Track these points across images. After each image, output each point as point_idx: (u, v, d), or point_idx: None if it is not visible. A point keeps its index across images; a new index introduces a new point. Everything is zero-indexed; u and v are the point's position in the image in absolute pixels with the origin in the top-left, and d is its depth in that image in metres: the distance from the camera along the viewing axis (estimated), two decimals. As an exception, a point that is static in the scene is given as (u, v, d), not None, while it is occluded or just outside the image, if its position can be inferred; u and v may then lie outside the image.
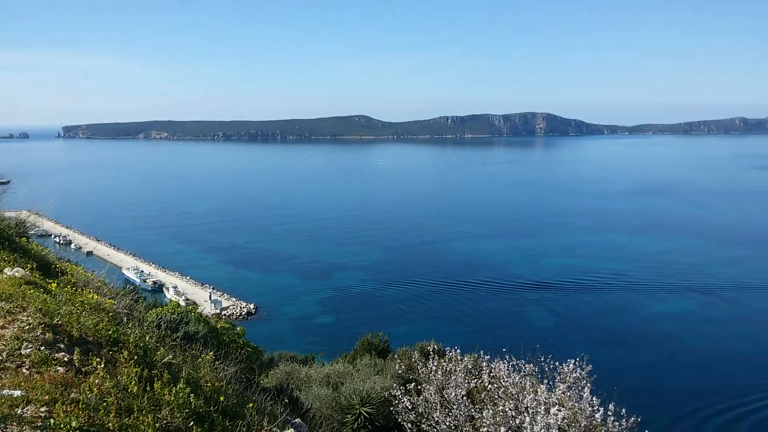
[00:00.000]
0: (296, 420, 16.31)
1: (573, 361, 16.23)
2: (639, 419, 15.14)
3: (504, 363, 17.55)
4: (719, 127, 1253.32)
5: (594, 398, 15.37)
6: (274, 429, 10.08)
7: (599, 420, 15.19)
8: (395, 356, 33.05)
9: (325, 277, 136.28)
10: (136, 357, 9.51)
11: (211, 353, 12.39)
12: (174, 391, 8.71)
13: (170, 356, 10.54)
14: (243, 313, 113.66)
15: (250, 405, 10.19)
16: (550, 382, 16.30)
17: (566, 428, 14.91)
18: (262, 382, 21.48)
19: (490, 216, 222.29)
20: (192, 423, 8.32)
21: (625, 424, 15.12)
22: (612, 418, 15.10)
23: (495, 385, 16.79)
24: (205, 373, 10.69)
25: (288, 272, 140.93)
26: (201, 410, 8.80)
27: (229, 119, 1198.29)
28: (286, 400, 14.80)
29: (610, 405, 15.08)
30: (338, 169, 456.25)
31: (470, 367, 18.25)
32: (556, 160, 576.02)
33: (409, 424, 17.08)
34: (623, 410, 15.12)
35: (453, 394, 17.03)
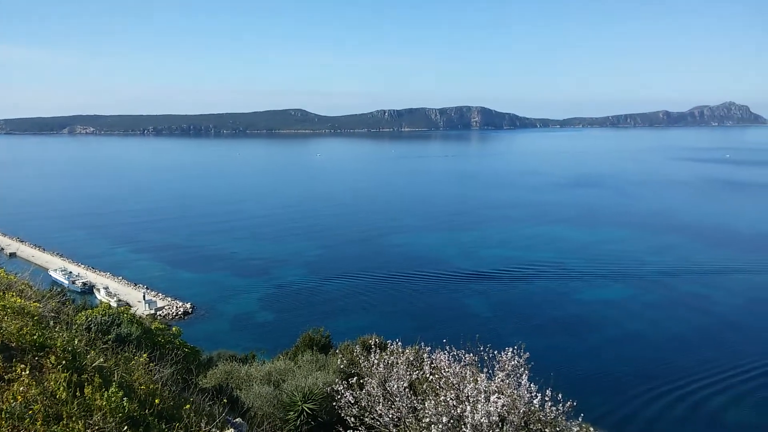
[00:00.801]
0: (237, 419, 15.99)
1: (511, 350, 16.57)
2: (575, 403, 15.62)
3: (445, 354, 17.76)
4: (644, 120, 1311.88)
5: (532, 385, 15.75)
6: (213, 430, 9.82)
7: (537, 405, 15.59)
8: (337, 351, 32.97)
9: (263, 273, 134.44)
10: (64, 362, 9.07)
11: (145, 355, 11.96)
12: (106, 396, 8.35)
13: (101, 360, 10.09)
14: (179, 312, 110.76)
15: (188, 406, 9.89)
16: (490, 371, 16.59)
17: (506, 415, 15.21)
18: (200, 382, 20.96)
19: (429, 209, 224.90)
20: (126, 427, 8.00)
21: (561, 408, 15.57)
22: (549, 403, 15.52)
23: (436, 376, 16.96)
24: (139, 376, 10.31)
25: (225, 270, 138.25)
26: (135, 414, 8.48)
27: (159, 113, 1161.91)
28: (225, 400, 14.47)
29: (548, 391, 15.49)
30: (275, 164, 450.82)
31: (412, 359, 18.39)
32: (492, 153, 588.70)
33: (353, 419, 17.03)
34: (560, 395, 15.56)
35: (395, 386, 17.10)
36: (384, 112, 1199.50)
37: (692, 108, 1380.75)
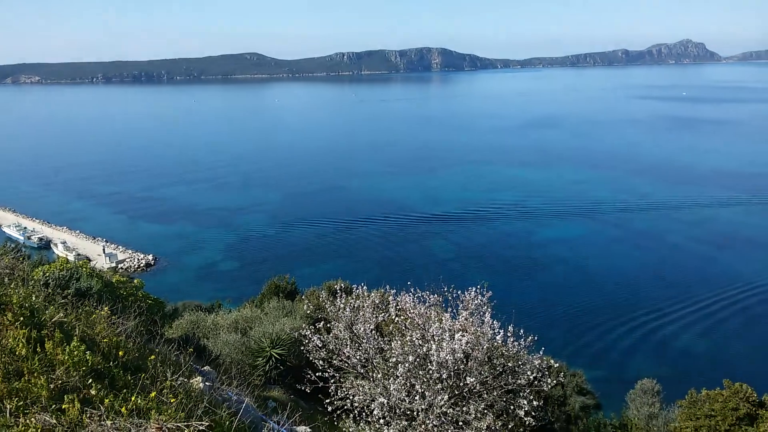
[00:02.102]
0: (205, 368, 16.06)
1: (474, 289, 16.88)
2: (536, 338, 16.12)
3: (409, 296, 18.00)
4: (603, 59, 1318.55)
5: (494, 322, 16.16)
6: (180, 378, 9.80)
7: (500, 341, 16.03)
8: (303, 297, 33.20)
9: (226, 223, 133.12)
10: (21, 318, 8.84)
11: (107, 308, 11.76)
12: (68, 350, 8.21)
13: (61, 315, 9.89)
14: (141, 265, 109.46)
15: (153, 357, 9.83)
16: (454, 311, 16.92)
17: (470, 351, 15.61)
18: (166, 333, 20.90)
19: (391, 153, 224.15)
20: (90, 380, 7.91)
21: (523, 343, 16.07)
22: (512, 339, 15.98)
23: (402, 317, 17.21)
24: (101, 329, 10.15)
25: (186, 220, 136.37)
26: (99, 367, 8.39)
27: (108, 59, 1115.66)
28: (192, 349, 14.47)
29: (510, 327, 15.91)
30: (232, 111, 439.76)
31: (377, 302, 18.58)
32: (453, 95, 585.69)
33: (321, 362, 17.25)
34: (521, 330, 16.01)
35: (362, 329, 17.32)
36: (343, 54, 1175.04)
37: (650, 46, 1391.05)
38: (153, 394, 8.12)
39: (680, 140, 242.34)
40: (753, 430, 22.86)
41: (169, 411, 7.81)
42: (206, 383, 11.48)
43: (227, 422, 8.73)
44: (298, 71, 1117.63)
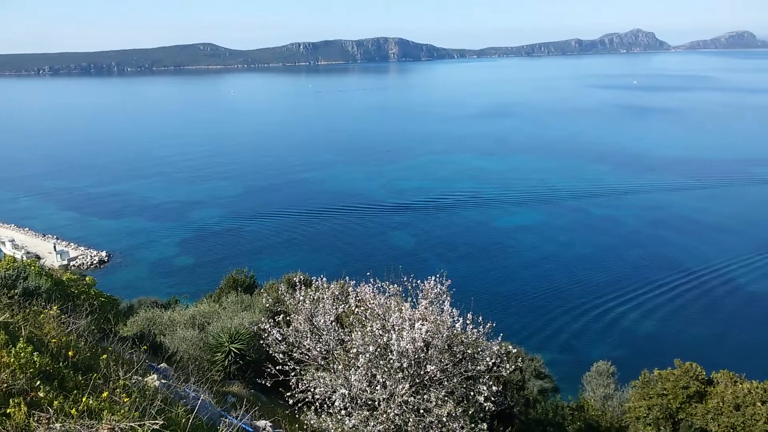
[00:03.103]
0: (161, 365, 15.74)
1: (433, 278, 16.98)
2: (495, 324, 16.33)
3: (369, 286, 17.99)
4: (557, 48, 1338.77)
5: (454, 310, 16.31)
6: (135, 377, 9.57)
7: (459, 329, 16.19)
8: (262, 291, 32.85)
9: (182, 217, 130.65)
10: (-38, 320, 8.46)
11: (56, 307, 11.38)
12: (14, 352, 7.90)
13: (6, 315, 9.52)
14: (94, 262, 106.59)
15: (105, 356, 9.55)
16: (414, 300, 16.99)
17: (430, 340, 15.72)
18: (120, 331, 20.40)
19: (349, 144, 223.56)
20: (39, 382, 7.63)
21: (482, 330, 16.26)
22: (471, 326, 16.15)
23: (362, 308, 17.21)
24: (50, 329, 9.82)
25: (140, 215, 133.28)
26: (48, 368, 8.10)
27: (55, 51, 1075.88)
28: (145, 347, 14.15)
29: (469, 314, 16.07)
30: (186, 103, 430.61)
31: (337, 293, 18.53)
32: (411, 85, 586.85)
33: (281, 355, 17.13)
34: (480, 317, 16.20)
35: (322, 320, 17.27)
36: (299, 45, 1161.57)
37: (602, 36, 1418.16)
38: (105, 394, 7.90)
39: (632, 128, 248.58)
40: (702, 406, 23.72)
41: (122, 411, 7.61)
42: (162, 381, 11.24)
43: (183, 419, 8.57)
44: (253, 62, 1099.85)
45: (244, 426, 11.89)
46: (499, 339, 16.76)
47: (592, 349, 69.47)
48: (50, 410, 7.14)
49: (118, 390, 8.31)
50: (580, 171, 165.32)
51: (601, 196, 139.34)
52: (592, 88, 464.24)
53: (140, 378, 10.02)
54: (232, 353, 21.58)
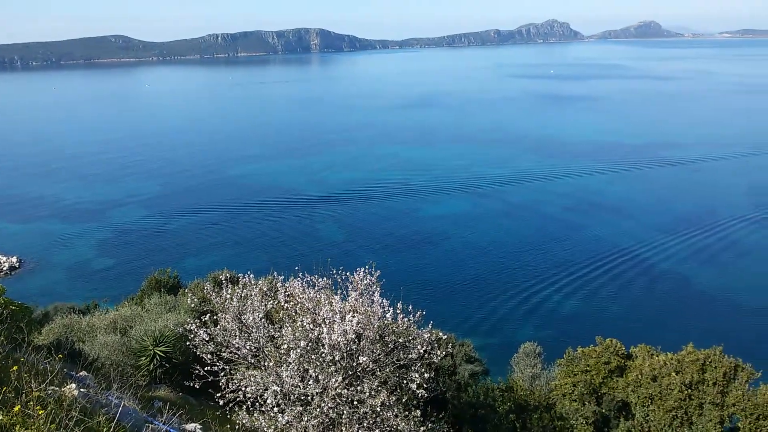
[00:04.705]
0: (81, 373, 15.00)
1: (363, 270, 17.01)
2: (424, 312, 16.54)
3: (298, 281, 17.83)
4: (477, 39, 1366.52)
5: (384, 300, 16.41)
6: (51, 388, 9.05)
7: (390, 319, 16.31)
8: (187, 290, 31.94)
9: (98, 217, 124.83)
10: None
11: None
12: None
13: None
14: (4, 268, 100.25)
15: (15, 368, 8.97)
16: (344, 292, 16.97)
17: (361, 331, 15.75)
18: (34, 340, 19.29)
19: (273, 136, 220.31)
20: (-61, 403, 7.07)
21: (412, 318, 16.45)
22: (401, 315, 16.29)
23: (291, 303, 17.04)
24: (-49, 344, 9.11)
25: (53, 217, 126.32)
26: (-50, 386, 7.51)
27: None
28: (61, 356, 13.42)
29: (399, 304, 16.21)
30: (98, 97, 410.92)
31: (265, 289, 18.25)
32: (334, 76, 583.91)
33: (209, 356, 16.73)
34: (410, 306, 16.36)
35: (251, 318, 16.99)
36: (217, 36, 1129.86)
37: (520, 26, 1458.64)
38: (17, 407, 7.41)
39: (550, 116, 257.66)
40: (623, 379, 24.96)
41: (37, 425, 7.17)
42: (81, 390, 10.72)
43: (104, 428, 8.17)
44: (169, 54, 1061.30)
45: (171, 430, 11.51)
46: (430, 326, 17.00)
47: (519, 331, 71.81)
48: (-46, 431, 6.63)
49: (31, 403, 7.83)
50: (502, 158, 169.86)
51: (522, 182, 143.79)
52: (512, 77, 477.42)
53: (56, 388, 9.50)
54: (158, 356, 20.87)
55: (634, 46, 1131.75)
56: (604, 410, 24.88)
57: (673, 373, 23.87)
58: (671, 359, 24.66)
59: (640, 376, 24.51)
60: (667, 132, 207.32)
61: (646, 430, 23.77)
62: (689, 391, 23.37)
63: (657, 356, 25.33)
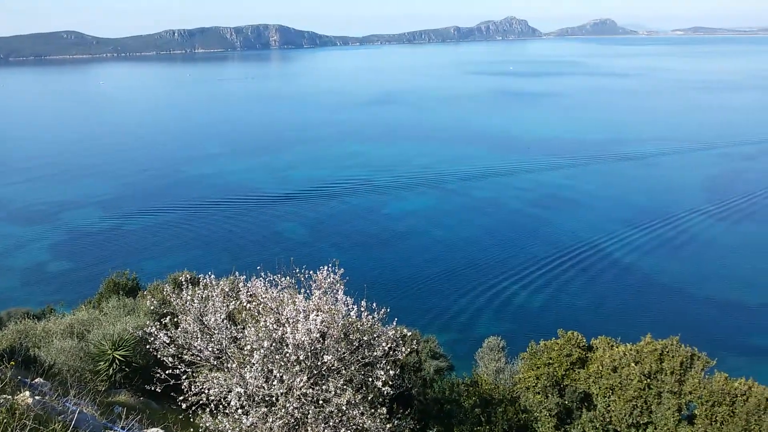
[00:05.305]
0: (36, 380, 14.51)
1: (326, 268, 16.89)
2: (389, 309, 16.51)
3: (261, 280, 17.61)
4: (437, 35, 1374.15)
5: (348, 298, 16.33)
6: (2, 396, 8.71)
7: (354, 317, 16.25)
8: (146, 293, 31.28)
9: (52, 219, 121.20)
10: None
11: None
12: None
13: None
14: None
15: (-36, 379, 8.60)
16: (307, 291, 16.83)
17: (326, 330, 15.65)
18: (-15, 348, 18.61)
19: (233, 134, 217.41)
20: None
21: (377, 315, 16.40)
22: (365, 313, 16.25)
23: (254, 303, 16.83)
24: None
25: (4, 220, 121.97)
26: None
27: None
28: (13, 363, 12.97)
29: (362, 301, 16.16)
30: (50, 96, 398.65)
31: (227, 290, 17.97)
32: (294, 72, 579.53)
33: (170, 359, 16.39)
34: (374, 304, 16.32)
35: (212, 319, 16.71)
36: (173, 32, 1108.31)
37: (479, 23, 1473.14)
38: (-35, 421, 7.09)
39: (510, 112, 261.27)
40: (584, 371, 25.43)
41: (-13, 437, 6.87)
42: (36, 397, 10.37)
43: (61, 438, 7.90)
44: (124, 50, 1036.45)
45: (132, 437, 11.23)
46: (395, 323, 16.99)
47: (484, 326, 72.65)
48: None
49: (-20, 414, 7.51)
50: (463, 155, 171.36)
51: (483, 178, 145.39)
52: (472, 74, 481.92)
53: (8, 397, 9.16)
54: (117, 361, 20.37)
55: (590, 43, 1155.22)
56: (566, 402, 25.30)
57: (633, 364, 24.43)
58: (630, 350, 25.22)
59: (600, 368, 25.01)
60: (624, 128, 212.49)
61: (608, 420, 24.28)
62: (648, 380, 23.95)
63: (617, 347, 25.88)
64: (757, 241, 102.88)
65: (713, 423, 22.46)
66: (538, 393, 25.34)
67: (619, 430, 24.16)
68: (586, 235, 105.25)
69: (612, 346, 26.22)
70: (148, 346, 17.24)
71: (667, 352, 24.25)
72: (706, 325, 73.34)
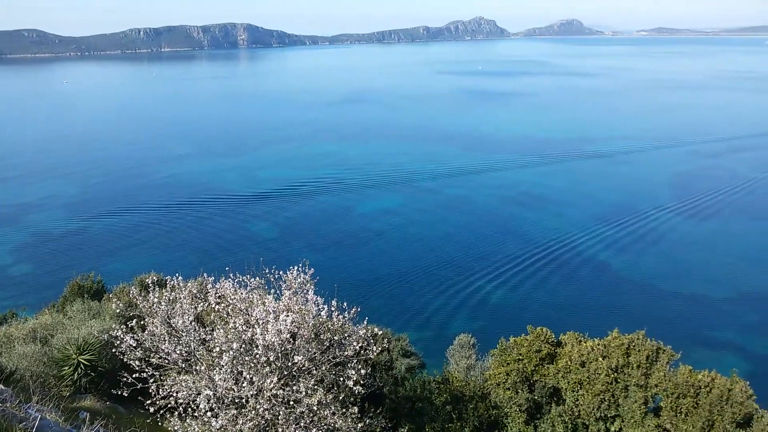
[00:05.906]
0: (-4, 388, 14.10)
1: (296, 268, 16.80)
2: (359, 309, 16.49)
3: (229, 281, 17.44)
4: (407, 35, 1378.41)
5: (318, 298, 16.26)
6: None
7: (325, 316, 16.19)
8: (112, 295, 30.69)
9: (13, 221, 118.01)
10: None
11: None
12: None
13: None
14: None
15: None
16: (277, 292, 16.72)
17: (296, 330, 15.55)
18: (-57, 354, 18.04)
19: (201, 134, 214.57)
20: None
21: (348, 315, 16.37)
22: (336, 313, 16.19)
23: (223, 305, 16.65)
24: None
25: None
26: None
27: None
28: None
29: (333, 301, 16.11)
30: (10, 95, 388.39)
31: (195, 291, 17.75)
32: (263, 72, 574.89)
33: (137, 362, 16.11)
34: (345, 304, 16.28)
35: (180, 321, 16.48)
36: (139, 30, 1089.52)
37: (448, 23, 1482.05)
38: None
39: (479, 111, 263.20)
40: (553, 366, 25.76)
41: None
42: (-4, 406, 10.08)
43: (22, 447, 7.68)
44: (88, 49, 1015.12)
45: (97, 443, 11.00)
46: (365, 323, 16.97)
47: (454, 323, 73.06)
48: None
49: (-64, 424, 7.25)
50: (435, 153, 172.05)
51: (455, 176, 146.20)
52: (442, 74, 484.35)
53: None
54: (82, 365, 19.93)
55: (557, 43, 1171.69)
56: (536, 397, 25.62)
57: (600, 358, 24.85)
58: (598, 345, 25.65)
59: (569, 363, 25.38)
60: (591, 126, 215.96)
61: (576, 414, 24.66)
62: (615, 374, 24.40)
63: (585, 342, 26.29)
64: (722, 237, 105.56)
65: (678, 414, 22.98)
66: (509, 389, 25.59)
67: (587, 423, 24.56)
68: (557, 233, 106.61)
69: (580, 341, 26.63)
70: (114, 350, 16.93)
71: (634, 346, 24.74)
72: (671, 320, 74.95)
